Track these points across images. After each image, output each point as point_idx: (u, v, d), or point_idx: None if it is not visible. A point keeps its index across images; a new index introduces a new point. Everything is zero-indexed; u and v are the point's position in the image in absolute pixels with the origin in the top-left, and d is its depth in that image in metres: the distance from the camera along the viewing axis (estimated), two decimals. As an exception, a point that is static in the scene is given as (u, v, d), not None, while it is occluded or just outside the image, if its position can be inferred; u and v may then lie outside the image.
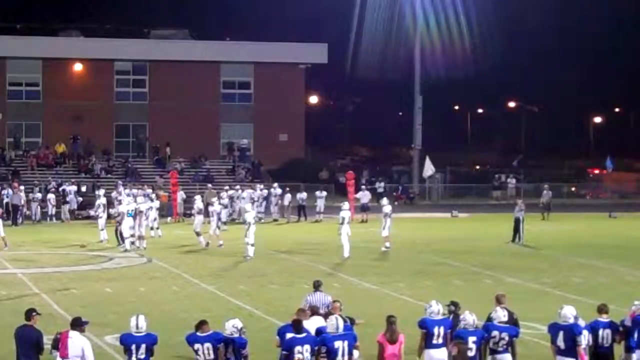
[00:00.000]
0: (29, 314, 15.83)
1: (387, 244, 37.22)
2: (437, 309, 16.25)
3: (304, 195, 52.47)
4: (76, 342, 15.09)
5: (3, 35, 66.93)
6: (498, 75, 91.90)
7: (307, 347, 15.06)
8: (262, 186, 53.63)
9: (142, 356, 15.20)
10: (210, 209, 38.80)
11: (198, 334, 15.44)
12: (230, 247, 37.49)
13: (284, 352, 15.13)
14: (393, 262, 34.76)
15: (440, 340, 16.00)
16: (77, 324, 15.31)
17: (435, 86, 76.78)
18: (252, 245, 34.14)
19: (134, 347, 15.21)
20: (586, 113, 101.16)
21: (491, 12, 75.69)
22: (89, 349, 15.19)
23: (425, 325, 16.06)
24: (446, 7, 71.90)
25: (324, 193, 52.95)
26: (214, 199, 41.05)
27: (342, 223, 35.14)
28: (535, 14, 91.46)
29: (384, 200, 39.40)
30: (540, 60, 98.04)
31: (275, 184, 53.79)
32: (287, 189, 53.03)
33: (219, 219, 38.75)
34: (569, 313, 16.02)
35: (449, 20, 74.90)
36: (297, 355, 14.94)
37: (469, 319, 15.99)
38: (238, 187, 52.88)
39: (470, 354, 15.77)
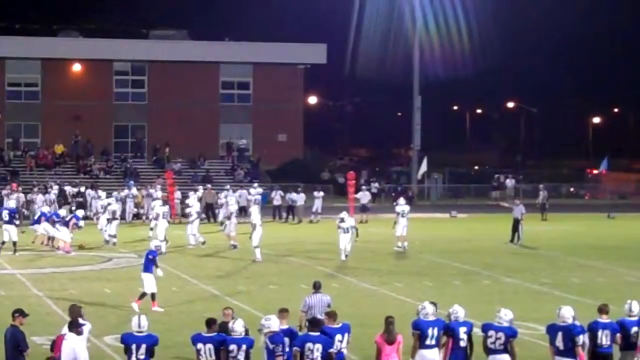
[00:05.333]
0: (13, 314, 15.90)
1: (404, 243, 37.36)
2: (430, 310, 16.31)
3: (293, 195, 52.47)
4: (70, 344, 15.10)
5: (2, 36, 66.84)
6: (497, 76, 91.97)
7: (318, 346, 15.18)
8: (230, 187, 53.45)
9: (142, 356, 15.15)
10: (188, 209, 39.16)
11: (203, 333, 15.45)
12: (228, 248, 37.48)
13: (296, 348, 15.27)
14: (391, 262, 34.77)
15: (434, 342, 16.10)
16: (74, 326, 15.32)
17: (434, 86, 76.79)
18: (256, 247, 33.96)
19: (134, 346, 15.19)
20: (585, 113, 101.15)
21: (490, 12, 75.75)
22: (81, 349, 15.17)
23: (419, 327, 16.12)
24: (445, 7, 71.94)
25: (321, 193, 52.75)
26: (193, 198, 41.50)
27: (347, 232, 34.46)
28: (534, 14, 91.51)
29: (401, 200, 39.47)
30: (539, 61, 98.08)
31: (256, 184, 53.70)
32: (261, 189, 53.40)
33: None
34: (567, 313, 16.05)
35: (447, 21, 74.98)
36: (306, 352, 15.16)
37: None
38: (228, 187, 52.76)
39: (463, 344, 16.02)
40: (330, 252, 36.21)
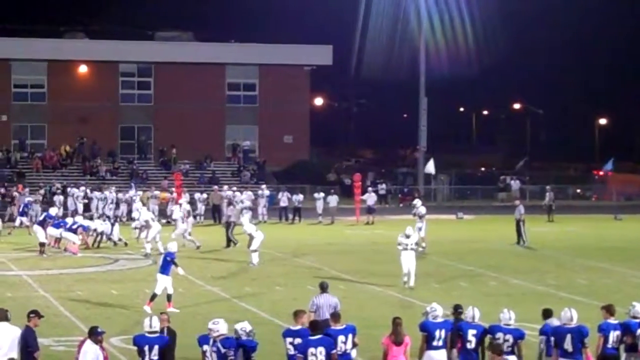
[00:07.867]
0: (29, 315, 15.88)
1: (423, 244, 37.42)
2: (440, 312, 16.29)
3: (300, 197, 52.43)
4: (86, 349, 15.09)
5: (8, 37, 66.93)
6: (503, 77, 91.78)
7: (321, 349, 15.02)
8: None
9: (155, 357, 15.07)
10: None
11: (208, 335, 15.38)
12: (235, 249, 37.50)
13: (299, 355, 15.03)
14: (397, 263, 34.68)
15: (441, 343, 16.12)
16: (92, 334, 15.27)
17: (441, 88, 76.69)
18: (254, 251, 33.75)
19: (146, 348, 15.13)
20: (591, 115, 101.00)
21: (496, 13, 75.65)
22: (93, 357, 15.11)
23: (427, 329, 16.13)
24: (451, 8, 71.87)
25: (322, 194, 52.49)
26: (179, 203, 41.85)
27: (406, 249, 29.16)
28: (540, 16, 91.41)
29: (418, 202, 39.69)
30: (545, 62, 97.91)
31: (264, 186, 53.70)
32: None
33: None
34: (574, 316, 16.02)
35: (454, 22, 74.87)
36: (310, 357, 14.90)
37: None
38: (235, 188, 52.68)
39: (470, 346, 15.99)
40: (336, 253, 36.18)
